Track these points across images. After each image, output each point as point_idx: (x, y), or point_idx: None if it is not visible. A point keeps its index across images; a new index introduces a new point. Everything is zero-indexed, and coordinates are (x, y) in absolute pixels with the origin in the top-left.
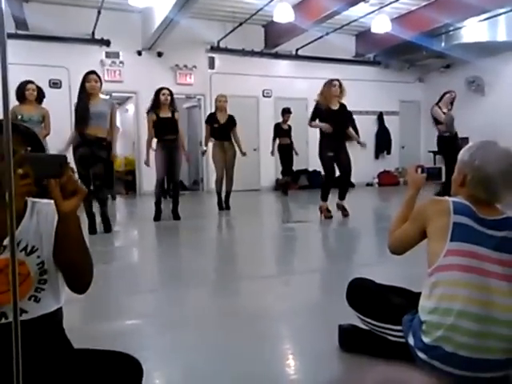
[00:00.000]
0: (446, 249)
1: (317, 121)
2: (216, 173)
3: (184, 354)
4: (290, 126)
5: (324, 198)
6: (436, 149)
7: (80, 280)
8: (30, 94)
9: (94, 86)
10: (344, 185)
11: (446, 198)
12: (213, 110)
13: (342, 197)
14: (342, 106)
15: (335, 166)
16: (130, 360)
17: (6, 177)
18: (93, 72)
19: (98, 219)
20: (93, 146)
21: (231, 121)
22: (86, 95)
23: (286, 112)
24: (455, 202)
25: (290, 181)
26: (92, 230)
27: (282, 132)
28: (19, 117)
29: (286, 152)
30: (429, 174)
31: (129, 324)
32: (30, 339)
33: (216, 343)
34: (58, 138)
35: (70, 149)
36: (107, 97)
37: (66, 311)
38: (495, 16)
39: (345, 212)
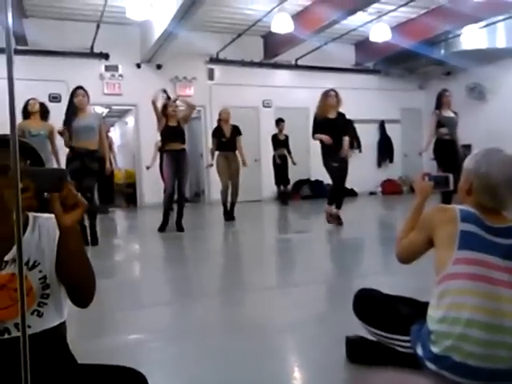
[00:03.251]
0: (453, 257)
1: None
2: (221, 183)
3: (189, 367)
4: (286, 136)
5: (330, 203)
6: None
7: (83, 293)
8: (32, 107)
9: (82, 101)
10: (340, 194)
11: (453, 205)
12: (214, 122)
13: (338, 206)
14: (340, 115)
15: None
16: (135, 374)
17: (10, 192)
18: (80, 87)
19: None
20: (84, 159)
21: (236, 131)
22: (74, 110)
23: (280, 121)
24: (462, 210)
25: (289, 191)
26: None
27: (278, 143)
28: (27, 132)
29: (281, 162)
30: (436, 182)
31: (133, 338)
32: (34, 354)
33: (221, 356)
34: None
35: None
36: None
37: (69, 326)
38: (494, 23)
39: (339, 221)
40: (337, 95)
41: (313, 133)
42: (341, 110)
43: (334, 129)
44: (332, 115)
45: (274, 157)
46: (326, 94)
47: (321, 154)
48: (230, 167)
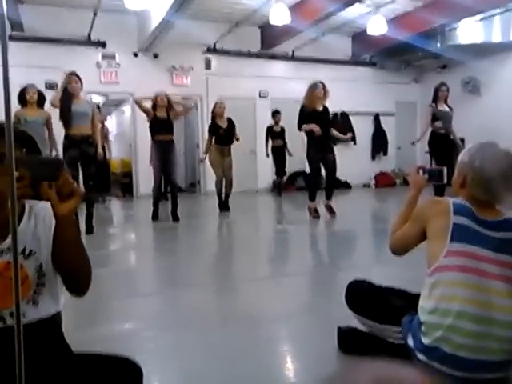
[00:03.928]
0: (445, 249)
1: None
2: (215, 175)
3: (183, 356)
4: (282, 128)
5: (312, 198)
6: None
7: (79, 282)
8: (30, 96)
9: (75, 87)
10: (330, 185)
11: (446, 198)
12: (209, 115)
13: (328, 197)
14: (325, 108)
15: (321, 166)
16: (129, 363)
17: (5, 180)
18: (73, 73)
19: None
20: (81, 145)
21: (232, 124)
22: (68, 96)
23: (276, 113)
24: (455, 203)
25: (284, 182)
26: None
27: (274, 134)
28: (23, 120)
29: (279, 154)
30: (430, 175)
31: (128, 327)
32: (29, 343)
33: (215, 346)
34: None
35: None
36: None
37: (64, 315)
38: (490, 17)
39: (331, 212)
40: (324, 87)
41: (299, 124)
42: (327, 103)
43: (321, 121)
44: (319, 107)
45: (272, 148)
46: (313, 86)
47: (307, 144)
48: (223, 162)
